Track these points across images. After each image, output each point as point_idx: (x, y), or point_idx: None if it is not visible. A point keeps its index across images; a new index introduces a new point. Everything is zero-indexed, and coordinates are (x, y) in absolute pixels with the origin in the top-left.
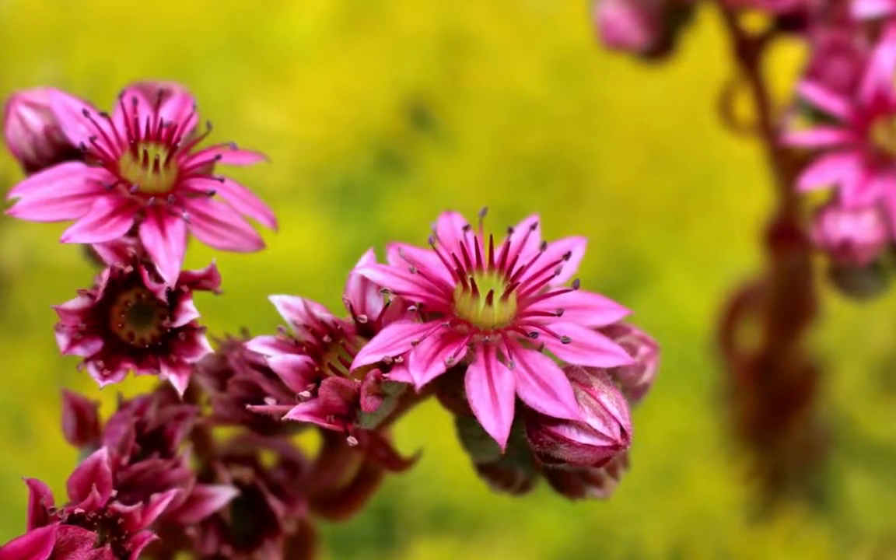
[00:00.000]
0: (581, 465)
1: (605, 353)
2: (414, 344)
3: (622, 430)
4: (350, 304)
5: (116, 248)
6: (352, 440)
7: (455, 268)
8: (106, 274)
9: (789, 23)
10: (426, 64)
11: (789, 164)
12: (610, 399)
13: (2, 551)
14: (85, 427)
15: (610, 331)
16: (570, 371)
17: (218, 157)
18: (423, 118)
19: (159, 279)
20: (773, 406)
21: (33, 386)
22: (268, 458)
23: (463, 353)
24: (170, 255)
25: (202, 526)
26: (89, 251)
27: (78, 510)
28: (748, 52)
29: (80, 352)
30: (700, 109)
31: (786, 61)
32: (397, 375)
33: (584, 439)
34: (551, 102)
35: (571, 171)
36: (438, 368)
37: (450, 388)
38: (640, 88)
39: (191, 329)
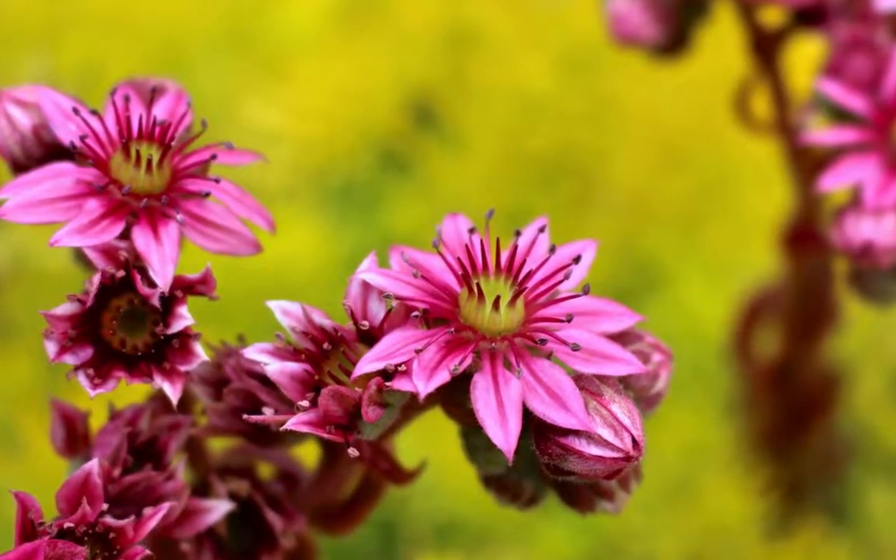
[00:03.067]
0: (591, 477)
1: (616, 361)
2: (417, 351)
3: (634, 441)
4: (351, 309)
5: (108, 252)
6: (353, 451)
7: (460, 272)
8: (97, 278)
9: (808, 17)
10: (431, 60)
11: (808, 164)
12: (621, 409)
13: None
14: (75, 438)
15: (621, 338)
16: (579, 380)
17: (213, 157)
18: (428, 116)
19: (152, 284)
20: (791, 416)
21: (21, 395)
22: (265, 471)
23: (468, 361)
24: (163, 258)
25: (197, 541)
26: (80, 255)
27: (67, 524)
28: (766, 48)
29: (70, 359)
30: (715, 107)
31: (805, 57)
32: (400, 384)
33: (594, 451)
34: (560, 100)
35: (581, 171)
36: (443, 377)
37: (455, 397)
38: (653, 85)
39: (185, 336)
